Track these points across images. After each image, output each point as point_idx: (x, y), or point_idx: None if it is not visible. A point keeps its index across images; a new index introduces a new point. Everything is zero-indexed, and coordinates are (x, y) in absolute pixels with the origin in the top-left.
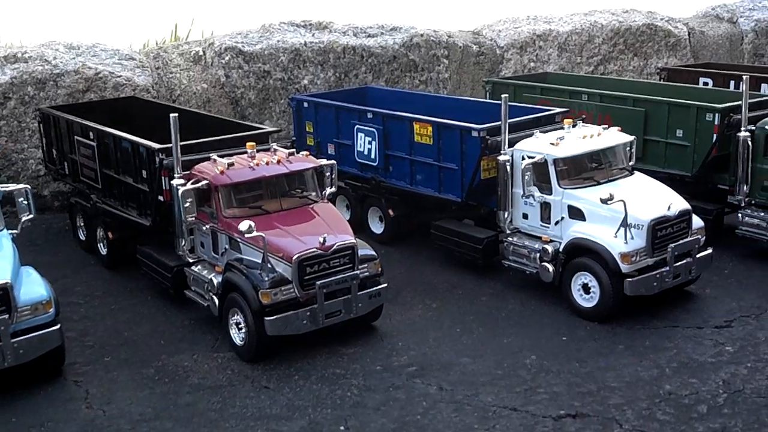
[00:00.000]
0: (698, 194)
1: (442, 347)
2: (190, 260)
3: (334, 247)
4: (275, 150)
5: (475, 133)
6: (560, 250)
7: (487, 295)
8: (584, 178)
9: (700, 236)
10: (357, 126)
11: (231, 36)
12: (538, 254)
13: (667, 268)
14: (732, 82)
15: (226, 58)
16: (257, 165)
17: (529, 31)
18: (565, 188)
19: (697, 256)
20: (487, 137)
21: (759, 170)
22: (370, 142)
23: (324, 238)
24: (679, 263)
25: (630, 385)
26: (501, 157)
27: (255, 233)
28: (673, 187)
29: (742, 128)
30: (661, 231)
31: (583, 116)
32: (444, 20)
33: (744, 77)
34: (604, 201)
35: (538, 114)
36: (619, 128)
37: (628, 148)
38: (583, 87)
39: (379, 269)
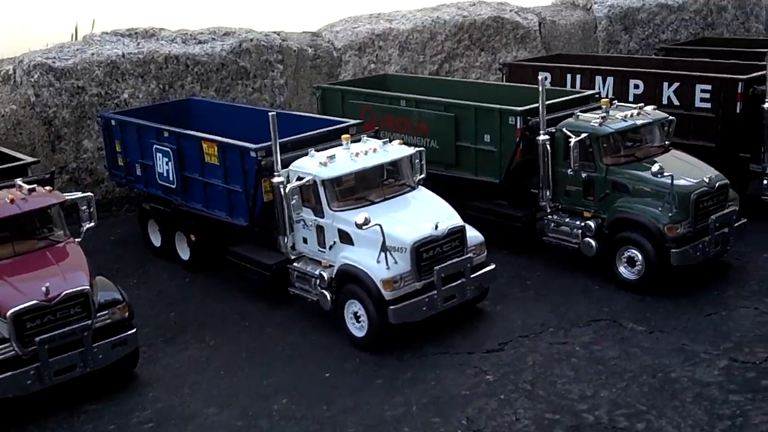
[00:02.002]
0: (513, 200)
1: (195, 395)
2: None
3: (61, 296)
4: (19, 186)
5: (253, 153)
6: (333, 276)
7: (272, 326)
8: (356, 198)
9: (477, 253)
10: (155, 145)
11: (43, 51)
12: (317, 281)
13: (436, 292)
14: (569, 76)
15: (35, 76)
16: None
17: (367, 31)
18: (335, 211)
19: (475, 275)
20: (261, 158)
21: (561, 174)
22: (167, 163)
23: (47, 287)
24: (450, 285)
25: (369, 429)
26: (275, 179)
27: None
28: (492, 193)
29: (541, 131)
30: (427, 253)
31: (377, 128)
32: (292, 23)
33: (540, 77)
34: (359, 226)
35: (326, 128)
36: (400, 141)
37: (416, 161)
38: (420, 89)
39: (126, 314)
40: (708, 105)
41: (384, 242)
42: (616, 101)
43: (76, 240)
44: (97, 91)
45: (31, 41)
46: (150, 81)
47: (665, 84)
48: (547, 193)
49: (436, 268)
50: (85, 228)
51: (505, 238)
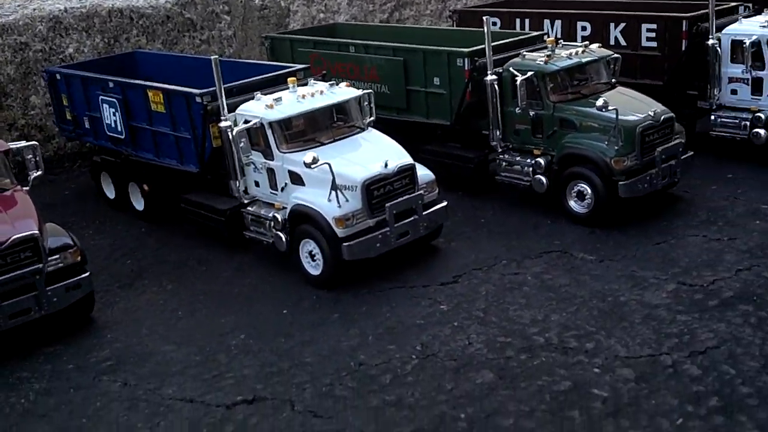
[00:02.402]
0: (465, 142)
1: (152, 336)
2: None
3: (9, 241)
4: None
5: (198, 99)
6: (286, 217)
7: (231, 270)
8: (305, 140)
9: (428, 191)
10: (101, 97)
11: None
12: (271, 223)
13: (388, 229)
14: (518, 20)
15: None
16: None
17: None
18: (284, 153)
19: (427, 212)
20: (206, 103)
21: (509, 114)
22: (114, 113)
23: None
24: (403, 222)
25: (324, 359)
26: (222, 123)
27: None
28: (444, 137)
29: (489, 72)
30: (378, 190)
31: (324, 72)
32: None
33: (485, 19)
34: (308, 165)
35: (272, 73)
36: (348, 84)
37: (365, 103)
38: (370, 37)
39: (78, 258)
40: (654, 44)
41: (333, 180)
42: (561, 41)
43: (24, 188)
44: (41, 46)
45: None
46: (95, 35)
47: (612, 25)
48: (497, 133)
49: (388, 205)
50: (33, 176)
51: (458, 180)
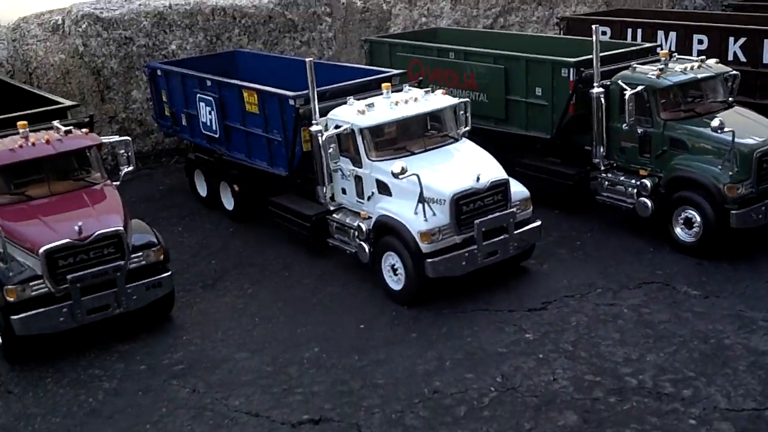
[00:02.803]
0: (566, 157)
1: (227, 341)
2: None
3: (93, 236)
4: (56, 128)
5: (291, 101)
6: (371, 228)
7: (312, 277)
8: (396, 148)
9: (522, 208)
10: (199, 95)
11: (91, 2)
12: (355, 232)
13: (476, 247)
14: (629, 30)
15: (84, 26)
16: (21, 146)
17: None
18: (373, 160)
19: (518, 231)
20: (299, 106)
21: (615, 130)
22: (210, 112)
23: (80, 226)
24: (492, 240)
25: (397, 381)
26: (313, 128)
27: None
28: (544, 150)
29: (595, 84)
30: (468, 206)
31: (420, 78)
32: None
33: (594, 27)
34: (396, 175)
35: (367, 78)
36: (443, 91)
37: (460, 112)
38: (471, 43)
39: (161, 257)
40: None
41: (421, 193)
42: (676, 54)
43: (114, 183)
44: (144, 41)
45: None
46: (197, 32)
47: (731, 39)
48: (601, 149)
49: (477, 221)
50: (123, 171)
51: (556, 197)
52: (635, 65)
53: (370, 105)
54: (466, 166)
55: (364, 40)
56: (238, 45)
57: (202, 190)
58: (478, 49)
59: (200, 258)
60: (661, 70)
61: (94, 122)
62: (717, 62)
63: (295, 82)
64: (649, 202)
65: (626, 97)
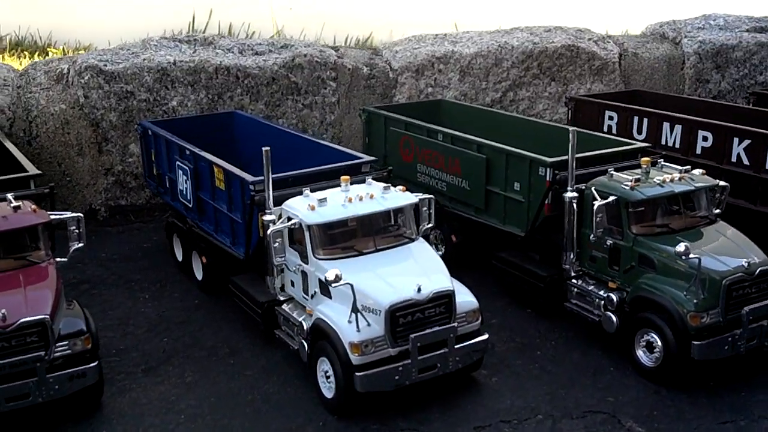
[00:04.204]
0: (546, 254)
1: None
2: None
3: (17, 324)
4: (9, 201)
5: (251, 186)
6: (307, 329)
7: (256, 369)
8: (344, 248)
9: (468, 321)
10: (177, 162)
11: (98, 53)
12: (298, 329)
13: (410, 361)
14: (635, 119)
15: (86, 78)
16: None
17: (428, 53)
18: (319, 259)
19: (461, 345)
20: (256, 192)
21: (587, 237)
22: (186, 181)
23: (3, 313)
24: (430, 354)
25: None
26: (266, 217)
27: None
28: (525, 243)
29: (569, 188)
30: (405, 318)
31: (390, 168)
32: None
33: (571, 130)
34: (329, 282)
35: (334, 164)
36: (403, 188)
37: (424, 209)
38: (474, 119)
39: (89, 345)
40: None
41: (354, 303)
42: (661, 160)
43: (62, 260)
44: (145, 96)
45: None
46: (200, 90)
47: (735, 140)
48: (571, 256)
49: (412, 336)
50: (73, 248)
51: (530, 296)
52: (612, 172)
53: (322, 200)
54: (412, 272)
55: (363, 109)
56: (239, 104)
57: (179, 255)
58: (463, 135)
59: (154, 334)
60: (637, 180)
61: (54, 193)
62: (703, 173)
63: (287, 152)
64: (614, 318)
65: (594, 208)
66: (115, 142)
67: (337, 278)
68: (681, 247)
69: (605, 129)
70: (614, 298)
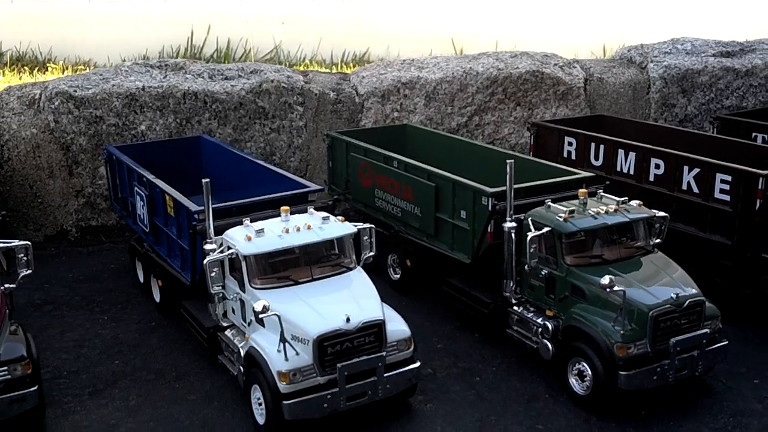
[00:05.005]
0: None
1: None
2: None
3: None
4: None
5: (196, 215)
6: (242, 356)
7: (199, 393)
8: (279, 277)
9: (400, 349)
10: (136, 188)
11: (69, 79)
12: (235, 355)
13: (337, 389)
14: (592, 145)
15: (56, 103)
16: None
17: (393, 78)
18: (254, 288)
19: (392, 373)
20: (198, 222)
21: (526, 266)
22: (143, 206)
23: None
24: (359, 383)
25: None
26: (206, 246)
27: None
28: (475, 269)
29: (507, 218)
30: (334, 347)
31: (335, 197)
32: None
33: (508, 163)
34: (257, 314)
35: (279, 194)
36: (342, 218)
37: (365, 237)
38: (438, 145)
39: (29, 371)
40: (727, 197)
41: (282, 333)
42: (600, 191)
43: (10, 286)
44: (114, 121)
45: None
46: (168, 114)
47: (686, 167)
48: (511, 284)
49: (339, 365)
50: (21, 275)
51: (475, 322)
52: (549, 203)
53: (260, 231)
54: (344, 301)
55: (326, 134)
56: (207, 129)
57: (141, 277)
58: (415, 162)
59: (107, 356)
60: (571, 212)
61: (7, 221)
62: (640, 204)
63: (246, 179)
64: (550, 346)
65: (528, 239)
66: (86, 165)
67: (265, 309)
68: (605, 280)
69: (565, 155)
70: (550, 326)
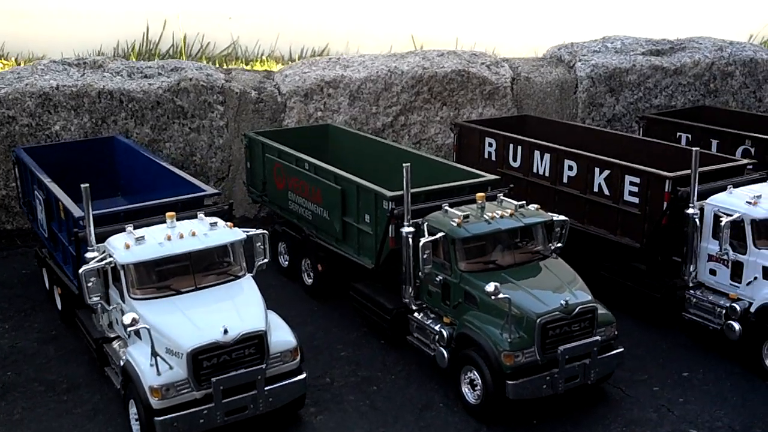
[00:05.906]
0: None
1: None
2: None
3: None
4: None
5: (81, 222)
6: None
7: (87, 406)
8: (160, 287)
9: (285, 360)
10: (36, 191)
11: None
12: (119, 369)
13: (213, 404)
14: (511, 146)
15: None
16: None
17: (316, 77)
18: (134, 299)
19: (273, 386)
20: (78, 229)
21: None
22: (41, 211)
23: None
24: (238, 396)
25: None
26: (88, 254)
27: None
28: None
29: (405, 224)
30: (210, 361)
31: (231, 202)
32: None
33: (405, 167)
34: (126, 327)
35: (173, 198)
36: (231, 224)
37: (257, 244)
38: (359, 146)
39: None
40: (636, 200)
41: (153, 347)
42: (501, 195)
43: None
44: (27, 121)
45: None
46: (83, 114)
47: (597, 169)
48: (409, 290)
49: (213, 379)
50: None
51: (379, 328)
52: (446, 207)
53: (140, 238)
54: (225, 312)
55: (244, 135)
56: (124, 129)
57: (47, 283)
58: (324, 165)
59: (1, 367)
60: (466, 217)
61: None
62: (538, 208)
63: (158, 181)
64: (446, 353)
65: (420, 244)
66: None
67: (134, 321)
68: (491, 287)
69: (486, 156)
70: (445, 333)
